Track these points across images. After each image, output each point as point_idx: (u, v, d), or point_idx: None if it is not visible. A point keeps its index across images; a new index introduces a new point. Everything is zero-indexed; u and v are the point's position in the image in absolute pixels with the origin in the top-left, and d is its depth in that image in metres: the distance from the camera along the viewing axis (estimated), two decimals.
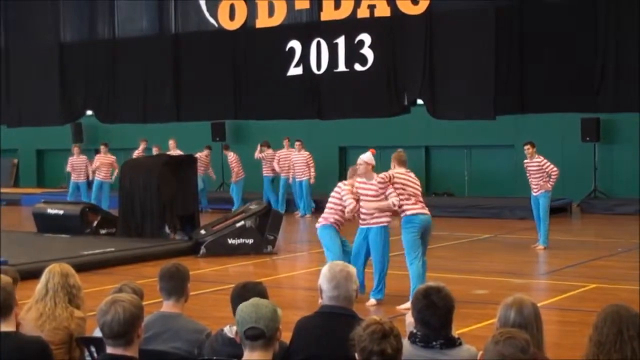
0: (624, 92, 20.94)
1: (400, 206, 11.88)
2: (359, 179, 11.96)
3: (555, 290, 12.99)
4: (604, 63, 20.97)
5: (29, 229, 19.91)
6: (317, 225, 12.42)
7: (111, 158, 24.48)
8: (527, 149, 16.92)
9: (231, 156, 25.73)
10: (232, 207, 24.71)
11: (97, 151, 26.90)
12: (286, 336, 5.74)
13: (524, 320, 4.98)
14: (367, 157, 12.06)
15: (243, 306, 4.80)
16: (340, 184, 12.54)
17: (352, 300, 5.73)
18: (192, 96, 27.64)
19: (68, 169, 25.94)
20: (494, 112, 22.59)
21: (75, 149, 26.17)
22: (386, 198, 11.80)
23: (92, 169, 24.85)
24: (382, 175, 11.78)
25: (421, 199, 12.28)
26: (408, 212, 11.99)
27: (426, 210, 12.20)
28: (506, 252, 16.89)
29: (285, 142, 24.66)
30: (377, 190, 11.73)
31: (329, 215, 12.28)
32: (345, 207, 11.99)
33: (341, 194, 12.14)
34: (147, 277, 11.54)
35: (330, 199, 12.41)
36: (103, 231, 18.56)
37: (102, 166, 24.24)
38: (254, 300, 4.87)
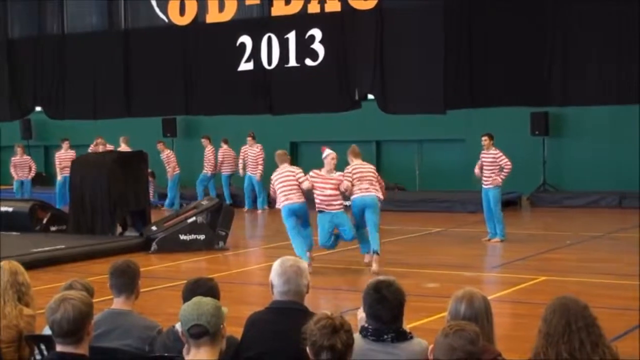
0: (572, 86, 21.18)
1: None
2: (322, 173, 14.36)
3: (505, 283, 13.09)
4: (552, 57, 21.20)
5: None
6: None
7: (72, 154, 24.05)
8: (484, 140, 16.98)
9: (167, 152, 25.55)
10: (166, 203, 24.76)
11: (48, 148, 26.64)
12: (238, 332, 5.75)
13: (474, 313, 5.02)
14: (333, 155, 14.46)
15: (185, 305, 4.79)
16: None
17: (302, 295, 5.74)
18: (143, 92, 27.52)
19: (11, 168, 25.66)
20: (444, 106, 22.73)
21: (19, 149, 25.87)
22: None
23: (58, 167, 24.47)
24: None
25: (374, 182, 14.44)
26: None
27: (369, 193, 14.32)
28: (457, 245, 16.98)
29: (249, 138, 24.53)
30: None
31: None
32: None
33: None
34: (98, 274, 11.48)
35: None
36: (53, 228, 18.38)
37: (64, 162, 23.80)
38: (196, 298, 4.84)
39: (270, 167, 24.07)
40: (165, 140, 27.28)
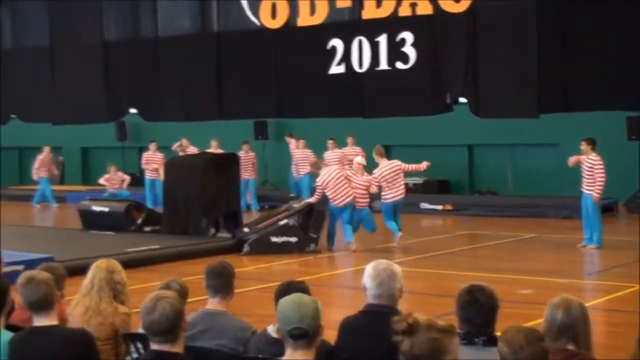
0: None
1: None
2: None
3: (600, 290, 12.90)
4: None
5: (75, 225, 20.07)
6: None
7: (160, 155, 24.22)
8: (583, 144, 16.73)
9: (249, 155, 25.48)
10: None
11: (142, 149, 26.92)
12: (329, 335, 5.75)
13: (571, 320, 4.94)
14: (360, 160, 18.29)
15: (285, 304, 4.76)
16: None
17: (396, 299, 5.71)
18: (235, 94, 27.72)
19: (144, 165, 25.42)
20: (538, 110, 22.46)
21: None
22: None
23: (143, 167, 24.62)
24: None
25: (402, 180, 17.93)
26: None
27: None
28: (550, 251, 16.77)
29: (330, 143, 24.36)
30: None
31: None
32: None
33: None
34: (191, 275, 11.58)
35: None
36: (147, 228, 18.62)
37: (152, 164, 23.99)
38: (296, 297, 4.82)
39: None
40: (257, 143, 27.41)
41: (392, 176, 17.64)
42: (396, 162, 18.13)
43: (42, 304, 5.52)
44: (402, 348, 4.08)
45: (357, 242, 17.11)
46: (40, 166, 26.46)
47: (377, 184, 17.46)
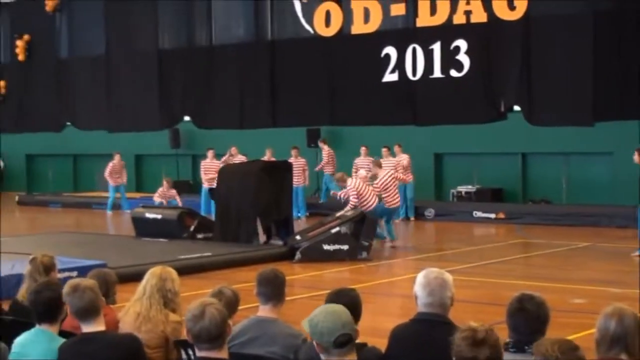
0: None
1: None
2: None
3: None
4: None
5: (128, 232, 20.23)
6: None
7: (217, 163, 24.06)
8: (635, 155, 16.55)
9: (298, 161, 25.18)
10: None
11: (195, 157, 26.95)
12: (380, 343, 5.74)
13: (624, 331, 4.88)
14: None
15: (321, 316, 4.77)
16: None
17: (447, 307, 5.68)
18: (288, 102, 27.82)
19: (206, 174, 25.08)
20: (593, 118, 22.27)
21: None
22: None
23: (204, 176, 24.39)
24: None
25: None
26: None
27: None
28: (605, 261, 16.60)
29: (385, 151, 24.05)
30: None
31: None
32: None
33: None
34: (242, 282, 11.62)
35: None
36: (200, 235, 18.69)
37: (210, 172, 23.87)
38: (328, 307, 4.86)
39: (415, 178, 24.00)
40: (309, 150, 27.44)
41: (392, 184, 18.62)
42: (392, 172, 19.42)
43: (89, 311, 5.58)
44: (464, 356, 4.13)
45: (408, 250, 17.07)
46: (111, 173, 26.62)
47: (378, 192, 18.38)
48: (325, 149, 26.01)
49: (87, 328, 5.59)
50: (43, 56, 34.14)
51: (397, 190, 18.84)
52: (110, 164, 27.08)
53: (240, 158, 23.33)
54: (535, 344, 4.40)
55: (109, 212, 26.86)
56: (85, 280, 5.78)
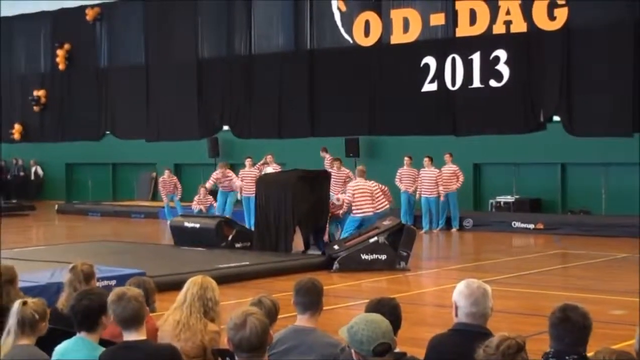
0: None
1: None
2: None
3: None
4: None
5: (167, 241, 20.31)
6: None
7: (256, 172, 23.97)
8: None
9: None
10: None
11: (234, 166, 26.88)
12: (418, 353, 5.72)
13: None
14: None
15: (361, 324, 4.77)
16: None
17: (487, 318, 5.65)
18: (327, 112, 27.87)
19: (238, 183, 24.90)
20: (632, 128, 22.14)
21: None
22: None
23: (238, 185, 24.24)
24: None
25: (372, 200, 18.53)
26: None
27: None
28: None
29: (426, 161, 23.85)
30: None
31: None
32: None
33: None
34: (281, 291, 11.63)
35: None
36: (238, 245, 18.72)
37: (248, 180, 23.75)
38: (367, 316, 4.86)
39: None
40: (347, 160, 27.34)
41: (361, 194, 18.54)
42: (370, 183, 19.00)
43: (133, 320, 5.62)
44: None
45: (444, 260, 16.97)
46: (163, 187, 26.67)
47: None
48: (328, 159, 25.33)
49: (129, 336, 5.62)
50: (83, 65, 34.49)
51: (366, 200, 18.52)
52: (161, 179, 27.08)
53: (274, 167, 23.25)
54: (595, 353, 4.38)
55: (168, 221, 26.75)
56: (132, 289, 5.83)
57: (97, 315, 5.77)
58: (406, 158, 24.26)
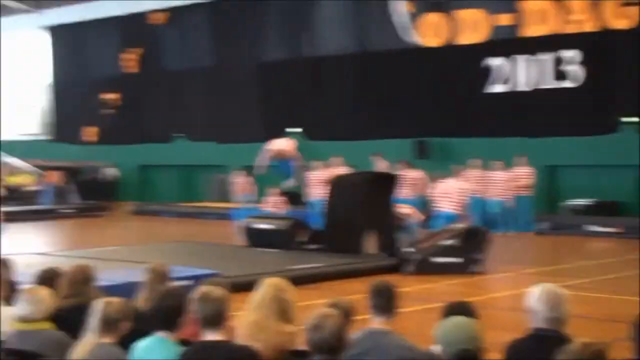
0: None
1: None
2: None
3: None
4: None
5: (240, 242, 20.43)
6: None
7: (325, 175, 23.99)
8: None
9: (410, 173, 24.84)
10: None
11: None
12: (496, 357, 5.68)
13: None
14: None
15: (452, 326, 4.77)
16: None
17: (564, 323, 5.61)
18: (395, 113, 27.79)
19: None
20: None
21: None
22: None
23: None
24: None
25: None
26: None
27: None
28: None
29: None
30: None
31: None
32: None
33: None
34: (352, 293, 11.60)
35: None
36: (311, 246, 18.78)
37: (317, 182, 23.83)
38: (459, 320, 4.88)
39: None
40: (416, 162, 27.18)
41: None
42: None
43: (216, 320, 5.68)
44: None
45: (519, 263, 16.83)
46: (237, 188, 26.90)
47: None
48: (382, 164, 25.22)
49: (210, 336, 5.68)
50: (153, 69, 34.86)
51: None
52: (236, 181, 27.28)
53: (341, 169, 23.24)
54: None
55: (242, 222, 26.84)
56: (217, 289, 5.91)
57: (178, 315, 5.84)
58: (476, 160, 24.15)
